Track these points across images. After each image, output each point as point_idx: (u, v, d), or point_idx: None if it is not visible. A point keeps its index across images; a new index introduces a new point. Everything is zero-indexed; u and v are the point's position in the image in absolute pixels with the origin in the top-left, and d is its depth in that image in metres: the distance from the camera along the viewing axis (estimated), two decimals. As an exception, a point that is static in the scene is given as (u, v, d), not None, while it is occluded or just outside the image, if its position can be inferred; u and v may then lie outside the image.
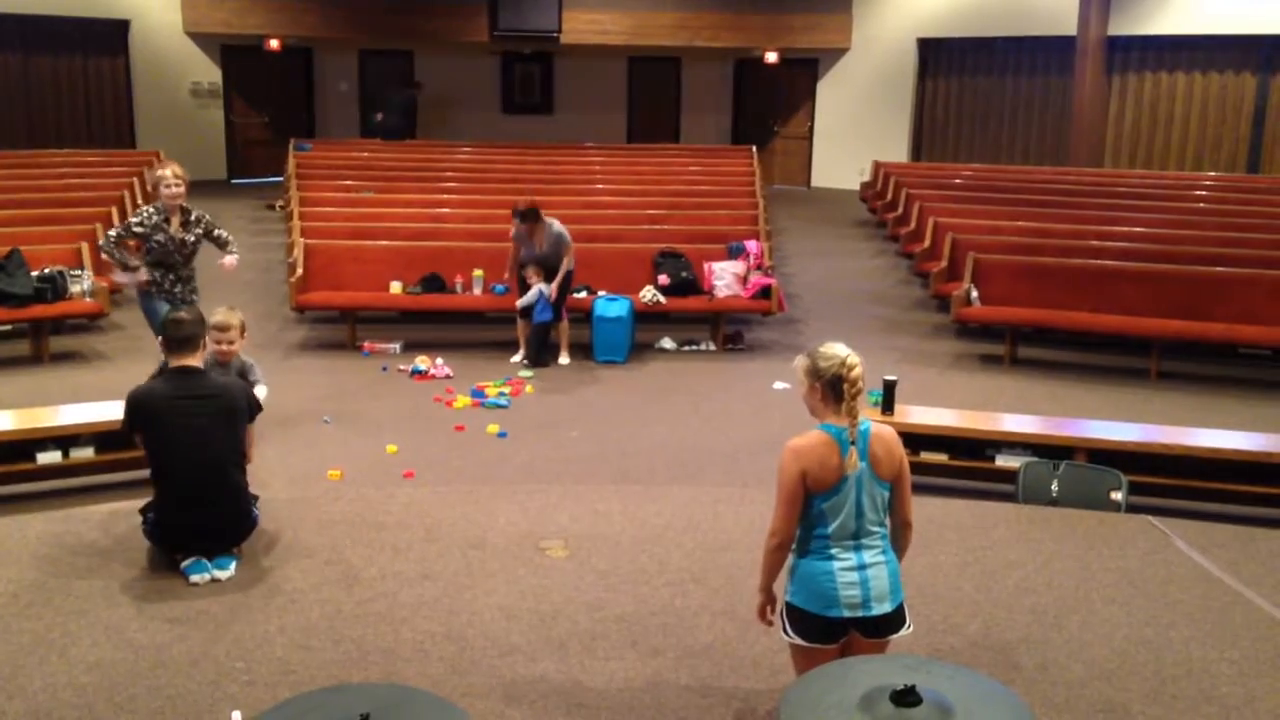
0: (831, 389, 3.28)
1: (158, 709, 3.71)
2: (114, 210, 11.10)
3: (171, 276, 7.03)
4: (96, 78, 16.80)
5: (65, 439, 6.01)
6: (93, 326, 9.60)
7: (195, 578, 4.59)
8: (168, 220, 6.94)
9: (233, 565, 4.70)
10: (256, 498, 5.02)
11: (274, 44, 17.35)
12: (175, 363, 4.73)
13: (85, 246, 9.45)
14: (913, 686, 2.26)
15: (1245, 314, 9.04)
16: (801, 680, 2.40)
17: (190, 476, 4.63)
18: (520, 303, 8.95)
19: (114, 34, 16.67)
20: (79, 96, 16.71)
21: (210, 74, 17.48)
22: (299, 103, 18.49)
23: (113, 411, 6.12)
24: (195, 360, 4.75)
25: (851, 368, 3.26)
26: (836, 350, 3.32)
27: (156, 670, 3.94)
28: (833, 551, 3.28)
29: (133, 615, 4.33)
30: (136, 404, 4.68)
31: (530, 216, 8.89)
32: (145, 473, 5.74)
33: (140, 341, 9.38)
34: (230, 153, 17.83)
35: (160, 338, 4.89)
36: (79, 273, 9.15)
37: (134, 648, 4.09)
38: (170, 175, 6.93)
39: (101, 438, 6.03)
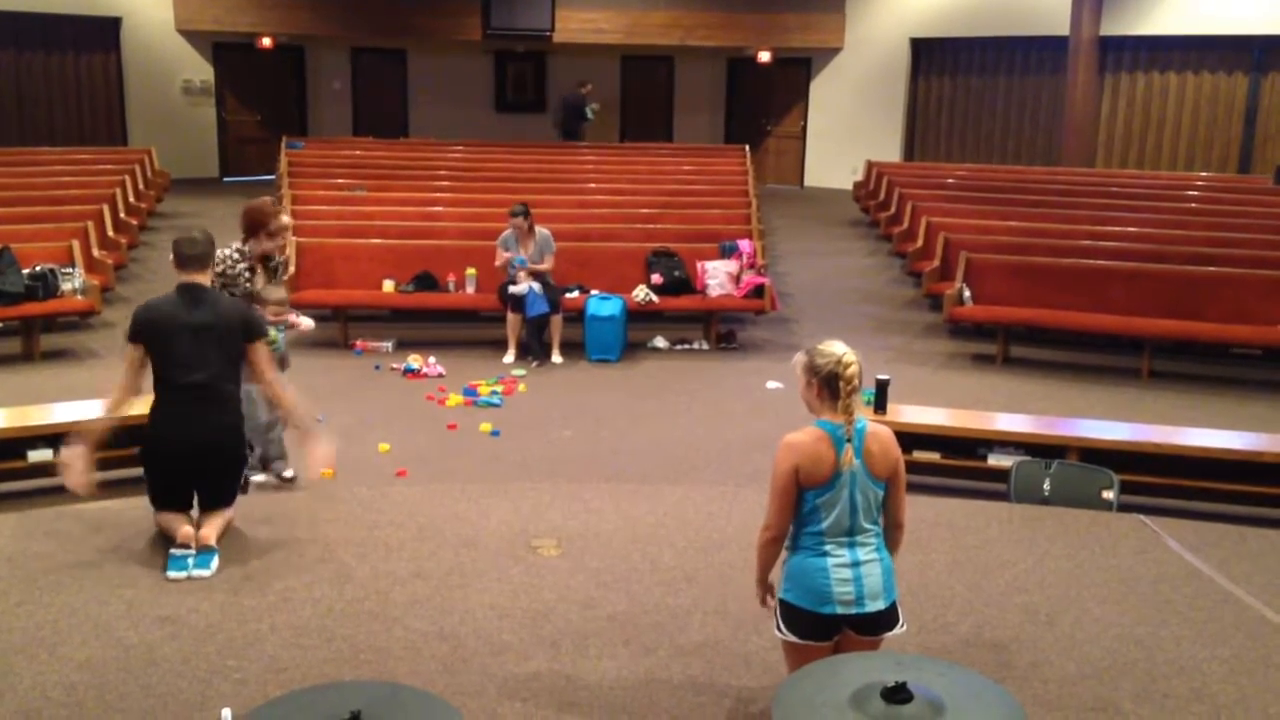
0: (827, 386, 3.29)
1: (149, 708, 3.69)
2: (105, 208, 11.08)
3: None
4: (88, 75, 16.75)
5: (57, 437, 5.96)
6: (84, 324, 9.57)
7: (174, 574, 4.59)
8: (252, 270, 6.05)
9: (213, 563, 4.69)
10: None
11: (266, 42, 17.32)
12: (183, 278, 4.90)
13: (76, 245, 9.43)
14: (904, 684, 2.26)
15: (1236, 313, 9.07)
16: (793, 678, 2.40)
17: (187, 384, 4.77)
18: (514, 289, 8.95)
19: (105, 31, 16.62)
20: (70, 94, 16.66)
21: (202, 72, 17.44)
22: (291, 101, 18.45)
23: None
24: (203, 278, 4.95)
25: (847, 366, 3.27)
26: (834, 349, 3.33)
27: (147, 669, 3.92)
28: (827, 548, 3.28)
29: (123, 613, 4.31)
30: (141, 317, 4.85)
31: (527, 214, 9.01)
32: (135, 471, 5.76)
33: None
34: (223, 151, 17.80)
35: (173, 254, 4.97)
36: (70, 270, 9.13)
37: (124, 646, 4.08)
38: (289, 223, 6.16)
39: (93, 436, 6.00)
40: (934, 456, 6.34)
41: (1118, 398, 8.35)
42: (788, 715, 2.18)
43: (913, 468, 6.28)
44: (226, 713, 3.35)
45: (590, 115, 16.82)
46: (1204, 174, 15.22)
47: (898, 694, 2.25)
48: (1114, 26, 15.82)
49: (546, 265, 9.10)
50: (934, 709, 2.22)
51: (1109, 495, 5.71)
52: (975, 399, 8.03)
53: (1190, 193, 13.33)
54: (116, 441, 5.99)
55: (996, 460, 6.22)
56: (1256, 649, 4.26)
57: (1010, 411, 7.26)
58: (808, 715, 2.20)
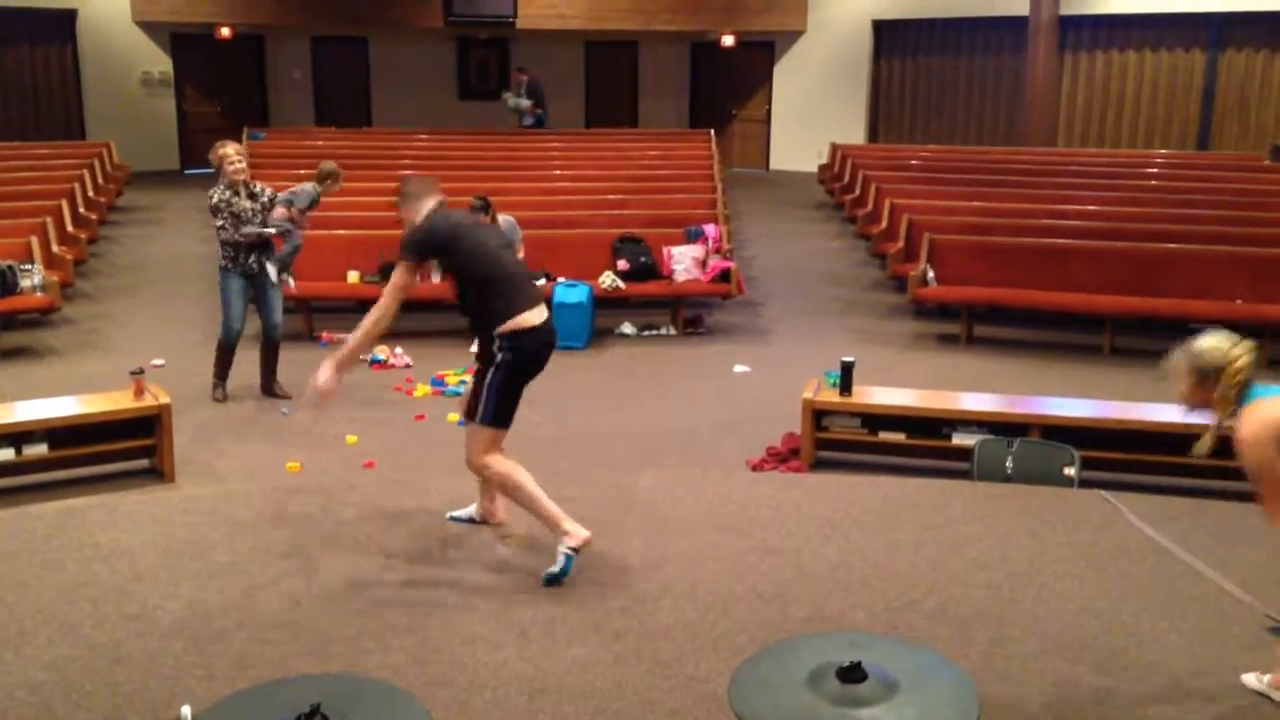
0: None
1: (115, 705, 3.68)
2: (64, 203, 10.95)
3: (245, 250, 7.33)
4: (44, 68, 16.53)
5: (18, 435, 5.92)
6: (44, 321, 9.47)
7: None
8: (237, 194, 7.32)
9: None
10: None
11: (225, 32, 17.14)
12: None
13: (35, 240, 9.32)
14: (858, 663, 2.29)
15: (1195, 289, 9.18)
16: (751, 659, 2.43)
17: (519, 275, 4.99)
18: None
19: (61, 23, 16.40)
20: (26, 88, 16.44)
21: (160, 63, 17.25)
22: (252, 91, 18.28)
23: (66, 407, 6.08)
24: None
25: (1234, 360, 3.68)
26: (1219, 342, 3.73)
27: (114, 667, 3.91)
28: None
29: (89, 613, 4.30)
30: (434, 230, 5.09)
31: (488, 208, 8.98)
32: (99, 469, 5.74)
33: (92, 336, 9.28)
34: (183, 142, 17.62)
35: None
36: (29, 267, 9.02)
37: (91, 645, 4.06)
38: (233, 153, 7.40)
39: (55, 434, 5.96)
40: (899, 437, 6.38)
41: (1080, 375, 8.45)
42: (744, 695, 2.21)
43: (878, 448, 6.39)
44: (186, 710, 3.34)
45: (515, 108, 16.64)
46: (1163, 151, 15.36)
47: (852, 673, 2.28)
48: (1073, 6, 15.93)
49: (520, 254, 9.10)
50: (888, 687, 2.26)
51: (1070, 472, 5.79)
52: (940, 379, 8.09)
53: (1150, 170, 13.47)
54: (76, 439, 5.98)
55: (960, 439, 6.27)
56: (1214, 621, 4.33)
57: (974, 390, 7.31)
58: (765, 694, 2.23)
